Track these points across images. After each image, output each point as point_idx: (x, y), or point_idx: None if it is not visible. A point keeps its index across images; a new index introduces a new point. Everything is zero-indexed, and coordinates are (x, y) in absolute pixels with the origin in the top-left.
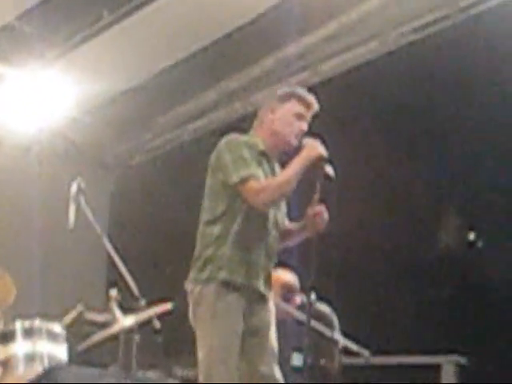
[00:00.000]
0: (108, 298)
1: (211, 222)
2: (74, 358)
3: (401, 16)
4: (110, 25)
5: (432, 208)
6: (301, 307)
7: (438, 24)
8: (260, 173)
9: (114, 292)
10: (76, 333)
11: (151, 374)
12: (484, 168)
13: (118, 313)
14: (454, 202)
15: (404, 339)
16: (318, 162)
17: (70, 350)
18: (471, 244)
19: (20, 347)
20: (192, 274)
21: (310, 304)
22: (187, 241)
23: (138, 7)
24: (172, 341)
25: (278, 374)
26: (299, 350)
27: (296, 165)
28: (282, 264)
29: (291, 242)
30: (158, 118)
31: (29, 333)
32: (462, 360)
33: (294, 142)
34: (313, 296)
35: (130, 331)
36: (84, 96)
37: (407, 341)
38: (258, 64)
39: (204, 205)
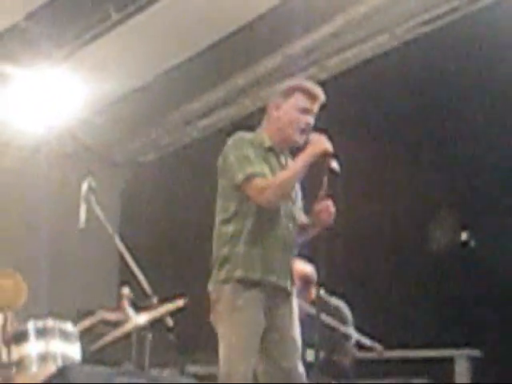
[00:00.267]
0: (120, 297)
1: (225, 222)
2: (87, 357)
3: (408, 10)
4: (118, 23)
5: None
6: (315, 301)
7: (447, 17)
8: (266, 170)
9: (126, 290)
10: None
11: (164, 372)
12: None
13: (130, 311)
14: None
15: (417, 333)
16: (323, 157)
17: (83, 349)
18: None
19: (33, 347)
20: (212, 275)
21: (319, 298)
22: (198, 238)
23: (145, 5)
24: (185, 338)
25: (301, 369)
26: (312, 345)
27: (300, 161)
28: (300, 256)
29: (308, 237)
30: (168, 116)
31: (42, 333)
32: (475, 353)
33: (300, 138)
34: (322, 291)
35: (142, 329)
36: (92, 95)
37: (421, 335)
38: (265, 61)
39: (218, 205)
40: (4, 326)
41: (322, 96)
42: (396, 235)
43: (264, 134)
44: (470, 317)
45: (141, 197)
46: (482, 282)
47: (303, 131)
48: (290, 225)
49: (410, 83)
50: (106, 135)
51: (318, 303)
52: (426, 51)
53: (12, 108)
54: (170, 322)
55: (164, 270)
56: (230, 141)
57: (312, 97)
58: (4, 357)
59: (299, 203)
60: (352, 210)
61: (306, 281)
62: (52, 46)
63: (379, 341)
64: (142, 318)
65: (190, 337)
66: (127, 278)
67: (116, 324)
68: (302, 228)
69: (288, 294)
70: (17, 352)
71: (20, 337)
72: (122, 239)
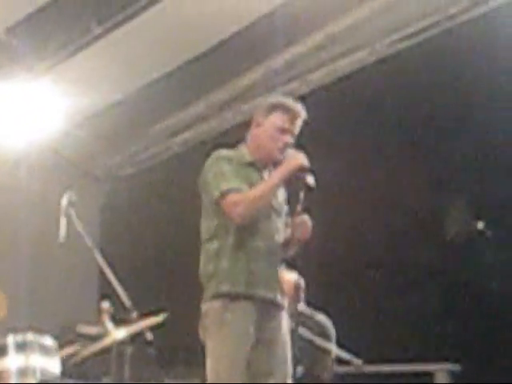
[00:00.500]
0: (100, 311)
1: (209, 240)
2: (67, 371)
3: (389, 25)
4: (99, 37)
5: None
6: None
7: (427, 32)
8: (243, 185)
9: (106, 304)
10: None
11: None
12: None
13: (110, 325)
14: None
15: (396, 347)
16: (298, 173)
17: (63, 363)
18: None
19: (13, 361)
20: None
21: (301, 313)
22: (179, 252)
23: (126, 19)
24: (164, 352)
25: None
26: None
27: (274, 176)
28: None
29: (291, 252)
30: (148, 130)
31: (21, 347)
32: (455, 367)
33: (279, 156)
34: (307, 307)
35: (122, 343)
36: (73, 108)
37: (399, 349)
38: (246, 75)
39: (202, 224)
40: None
41: (302, 114)
42: (373, 247)
43: (245, 150)
44: (449, 331)
45: (121, 211)
46: (459, 299)
47: (281, 150)
48: (275, 237)
49: (391, 97)
50: (87, 149)
51: (297, 316)
52: (406, 66)
53: None
54: (149, 336)
55: (144, 284)
56: (209, 159)
57: (292, 114)
58: None
59: (284, 218)
60: (330, 223)
61: (297, 289)
62: (33, 59)
63: (358, 355)
64: (122, 332)
65: (170, 351)
66: (107, 292)
67: (95, 338)
68: (285, 243)
69: (278, 307)
70: None
71: None
72: (102, 253)
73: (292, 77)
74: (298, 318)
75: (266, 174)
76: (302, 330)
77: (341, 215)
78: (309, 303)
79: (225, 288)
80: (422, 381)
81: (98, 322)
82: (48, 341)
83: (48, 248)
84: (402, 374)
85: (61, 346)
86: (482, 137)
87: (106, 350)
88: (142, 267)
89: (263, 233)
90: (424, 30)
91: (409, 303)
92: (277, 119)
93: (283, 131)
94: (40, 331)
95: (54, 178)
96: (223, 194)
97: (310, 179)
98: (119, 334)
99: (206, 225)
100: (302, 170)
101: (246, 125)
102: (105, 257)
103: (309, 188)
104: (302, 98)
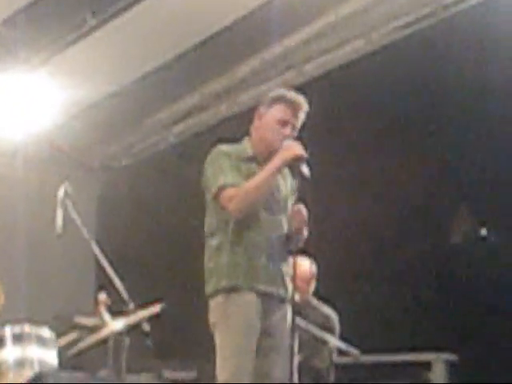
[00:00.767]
0: (97, 302)
1: (210, 236)
2: (64, 362)
3: (385, 15)
4: (94, 29)
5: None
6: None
7: (423, 21)
8: (240, 180)
9: (102, 296)
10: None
11: (141, 378)
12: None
13: (107, 317)
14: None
15: (394, 337)
16: (294, 163)
17: (60, 354)
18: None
19: (10, 353)
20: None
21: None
22: (175, 243)
23: (121, 11)
24: (162, 343)
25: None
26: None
27: (269, 167)
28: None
29: (294, 246)
30: (144, 121)
31: (18, 338)
32: (452, 357)
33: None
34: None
35: (119, 335)
36: (70, 100)
37: (397, 339)
38: (242, 65)
39: (205, 220)
40: None
41: (305, 106)
42: (375, 237)
43: (248, 144)
44: (446, 321)
45: (117, 201)
46: (455, 289)
47: (282, 142)
48: (277, 231)
49: (388, 87)
50: (83, 140)
51: (296, 307)
52: (402, 56)
53: None
54: (146, 327)
55: (141, 275)
56: (209, 155)
57: (294, 107)
58: None
59: (287, 209)
60: (334, 213)
61: (311, 277)
62: (29, 51)
63: (356, 345)
64: (119, 324)
65: (167, 342)
66: (104, 283)
67: (93, 329)
68: (287, 237)
69: (283, 301)
70: None
71: None
72: (99, 244)
73: (288, 67)
74: (295, 309)
75: None
76: (301, 321)
77: (336, 207)
78: (315, 294)
79: (224, 283)
80: (420, 370)
81: (95, 313)
82: (46, 332)
83: (45, 239)
84: (399, 364)
85: (58, 337)
86: (478, 126)
87: (103, 342)
88: (139, 258)
89: (264, 227)
90: (420, 19)
91: (406, 293)
92: (278, 112)
93: (284, 124)
94: (37, 322)
95: (50, 170)
96: (220, 189)
97: (305, 169)
98: (116, 325)
99: (209, 221)
100: (297, 159)
101: (242, 115)
102: (101, 248)
103: (303, 178)
104: (298, 89)
